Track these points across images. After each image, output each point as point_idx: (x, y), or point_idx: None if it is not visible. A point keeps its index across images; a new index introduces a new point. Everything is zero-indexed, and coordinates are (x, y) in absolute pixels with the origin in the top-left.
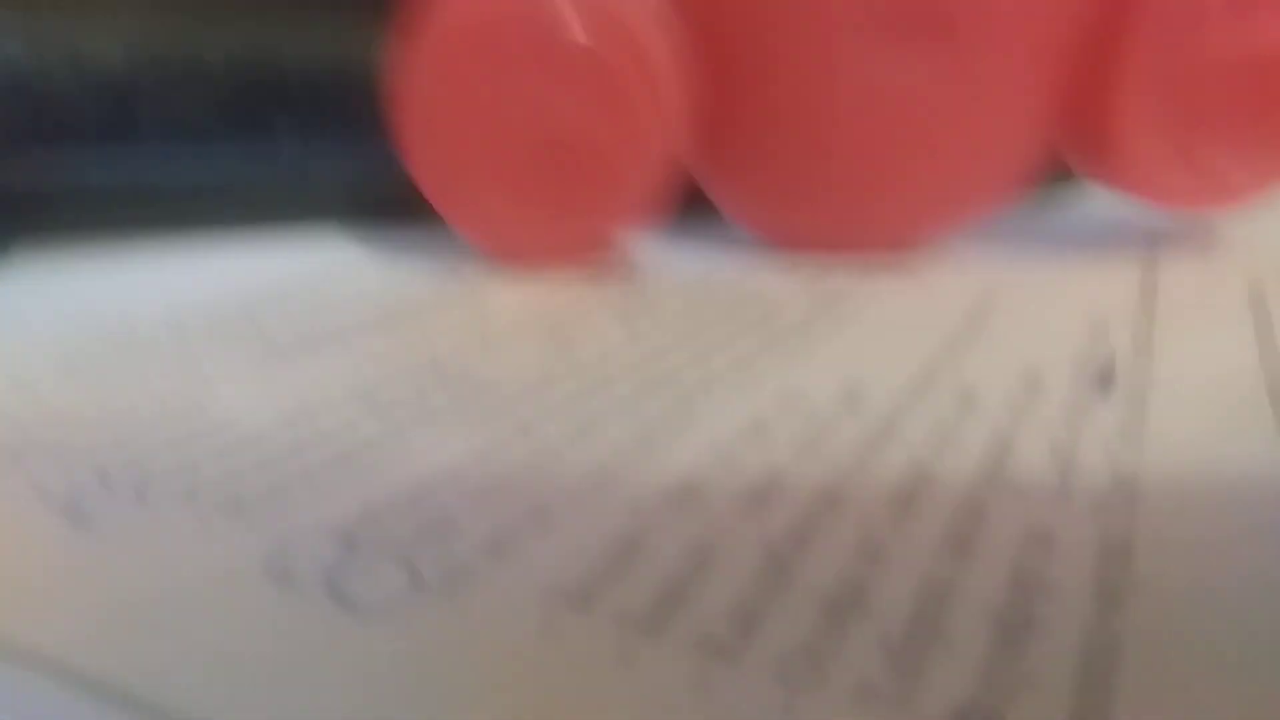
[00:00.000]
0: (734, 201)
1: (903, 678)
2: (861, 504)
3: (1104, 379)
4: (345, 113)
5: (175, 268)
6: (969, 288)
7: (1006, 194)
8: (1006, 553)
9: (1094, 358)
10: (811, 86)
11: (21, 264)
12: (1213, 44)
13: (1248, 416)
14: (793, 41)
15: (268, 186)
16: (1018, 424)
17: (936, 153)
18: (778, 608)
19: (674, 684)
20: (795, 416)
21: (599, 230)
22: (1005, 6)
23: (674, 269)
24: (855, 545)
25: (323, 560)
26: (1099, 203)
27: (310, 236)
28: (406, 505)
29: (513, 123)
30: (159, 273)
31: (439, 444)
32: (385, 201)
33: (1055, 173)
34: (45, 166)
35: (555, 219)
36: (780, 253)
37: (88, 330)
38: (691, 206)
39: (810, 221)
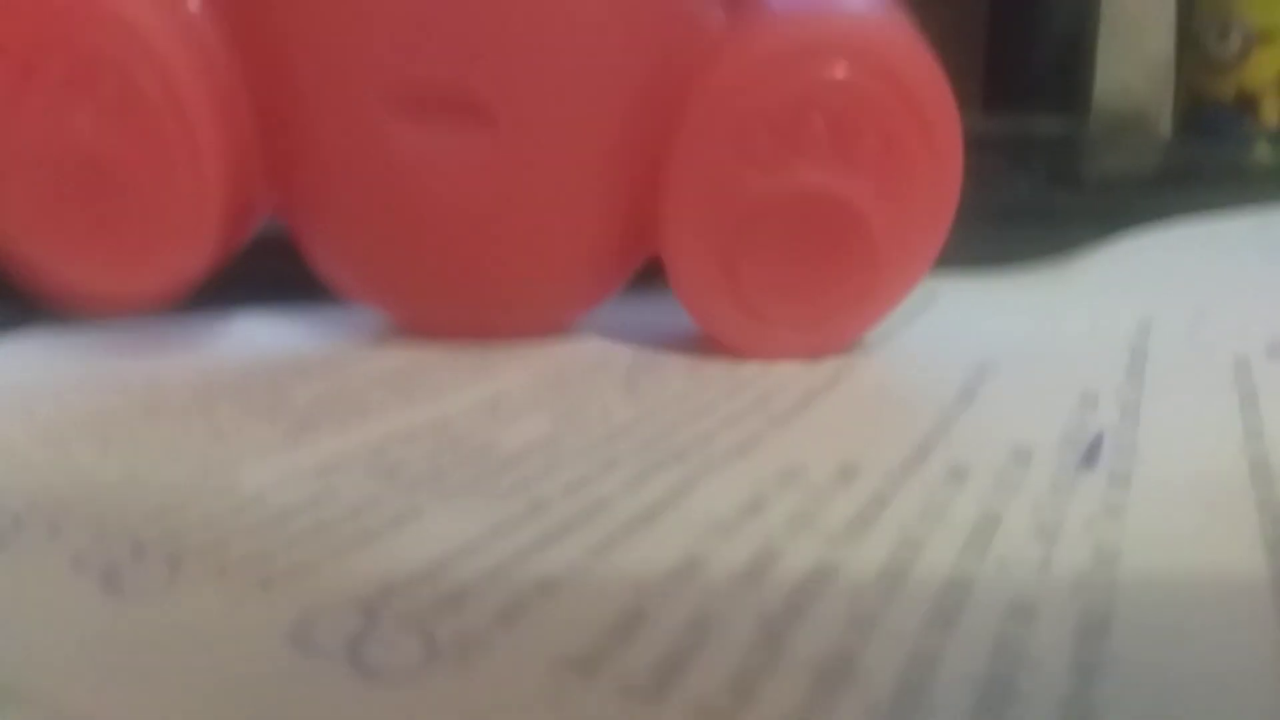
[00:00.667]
0: (320, 261)
1: None
2: (853, 578)
3: (1090, 456)
4: None
5: (201, 336)
6: (962, 364)
7: (599, 289)
8: (990, 625)
9: (1082, 435)
10: (362, 159)
11: (49, 329)
12: (755, 179)
13: (1229, 496)
14: (337, 108)
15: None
16: (1006, 500)
17: (500, 243)
18: (772, 677)
19: None
20: (793, 493)
21: (154, 270)
22: (544, 98)
23: (678, 347)
24: (846, 617)
25: (345, 630)
26: (1092, 275)
27: (331, 310)
28: (424, 578)
29: (32, 137)
30: (185, 342)
31: (456, 521)
32: None
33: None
34: None
35: (91, 254)
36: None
37: (120, 398)
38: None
39: (394, 294)
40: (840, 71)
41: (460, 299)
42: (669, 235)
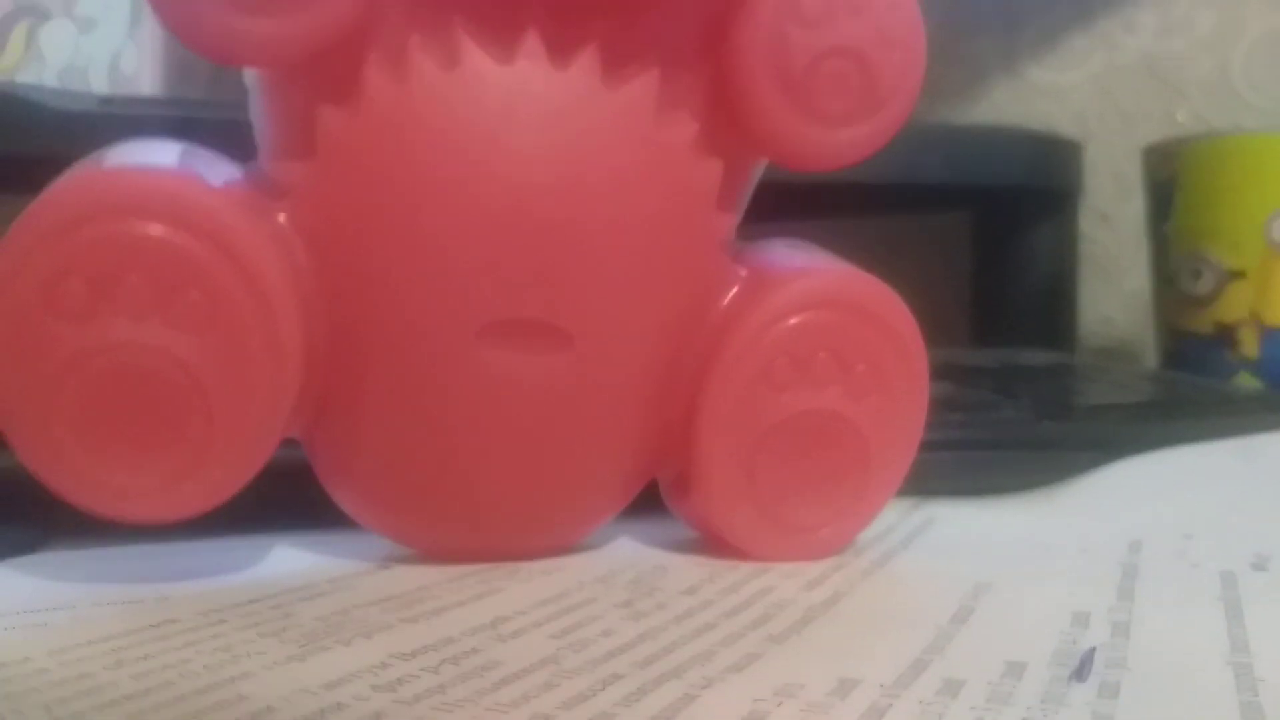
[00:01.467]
0: (342, 487)
1: None
2: None
3: (1082, 670)
4: None
5: (208, 561)
6: (959, 583)
7: (611, 509)
8: None
9: (1074, 651)
10: (428, 382)
11: (64, 550)
12: (775, 400)
13: (1214, 703)
14: (414, 336)
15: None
16: (999, 711)
17: (547, 460)
18: None
19: None
20: (791, 706)
21: (195, 479)
22: (612, 322)
23: (680, 566)
24: None
25: None
26: (1083, 499)
27: (330, 534)
28: None
29: (85, 346)
30: (193, 565)
31: None
32: None
33: None
34: None
35: (138, 464)
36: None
37: (133, 619)
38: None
39: (419, 521)
40: (841, 316)
41: (484, 523)
42: (700, 448)
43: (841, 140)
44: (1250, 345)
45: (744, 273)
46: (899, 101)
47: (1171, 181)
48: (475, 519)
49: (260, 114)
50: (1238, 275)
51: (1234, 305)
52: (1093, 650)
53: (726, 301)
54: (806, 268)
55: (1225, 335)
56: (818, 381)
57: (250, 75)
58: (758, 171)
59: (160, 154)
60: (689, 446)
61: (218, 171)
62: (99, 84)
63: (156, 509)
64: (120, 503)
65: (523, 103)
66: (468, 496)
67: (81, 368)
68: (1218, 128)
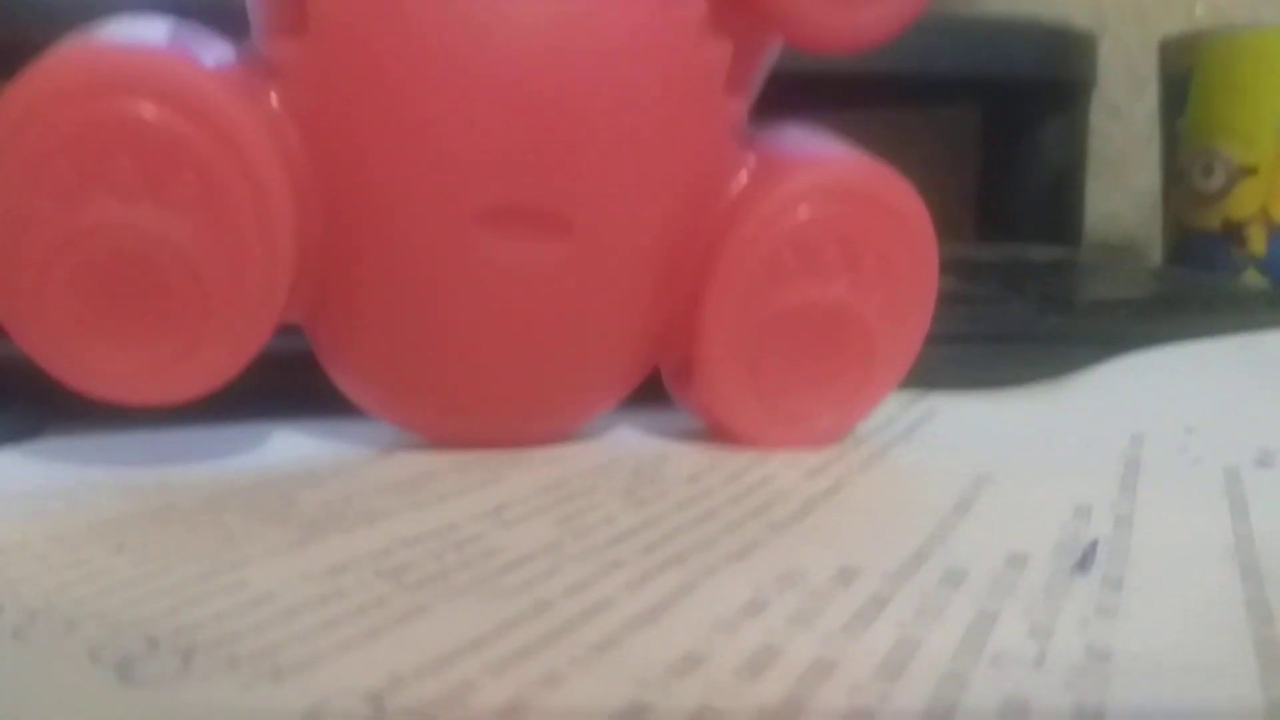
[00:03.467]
0: (344, 373)
1: None
2: (852, 673)
3: (1085, 562)
4: None
5: (210, 446)
6: (960, 474)
7: (613, 397)
8: (986, 718)
9: (1077, 543)
10: (424, 269)
11: (63, 436)
12: (780, 292)
13: (1220, 597)
14: (412, 217)
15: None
16: (1001, 601)
17: (548, 348)
18: None
19: None
20: (793, 594)
21: (192, 361)
22: (613, 209)
23: (681, 454)
24: (845, 711)
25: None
26: (1086, 393)
27: (338, 421)
28: (432, 673)
29: (75, 228)
30: (195, 451)
31: (463, 619)
32: None
33: None
34: None
35: (133, 346)
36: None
37: (132, 503)
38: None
39: (420, 406)
40: (852, 207)
41: (483, 410)
42: (704, 338)
43: (860, 20)
44: (1258, 242)
45: (753, 159)
46: None
47: (1186, 76)
48: (474, 406)
49: None
50: (1249, 172)
51: (1244, 202)
52: (1095, 542)
53: (734, 188)
54: (818, 156)
55: (1233, 232)
56: (825, 273)
57: None
58: (771, 54)
59: (150, 31)
60: (692, 336)
61: (209, 50)
62: None
63: (152, 392)
64: (116, 385)
65: None
66: (466, 384)
67: (73, 250)
68: (1236, 22)
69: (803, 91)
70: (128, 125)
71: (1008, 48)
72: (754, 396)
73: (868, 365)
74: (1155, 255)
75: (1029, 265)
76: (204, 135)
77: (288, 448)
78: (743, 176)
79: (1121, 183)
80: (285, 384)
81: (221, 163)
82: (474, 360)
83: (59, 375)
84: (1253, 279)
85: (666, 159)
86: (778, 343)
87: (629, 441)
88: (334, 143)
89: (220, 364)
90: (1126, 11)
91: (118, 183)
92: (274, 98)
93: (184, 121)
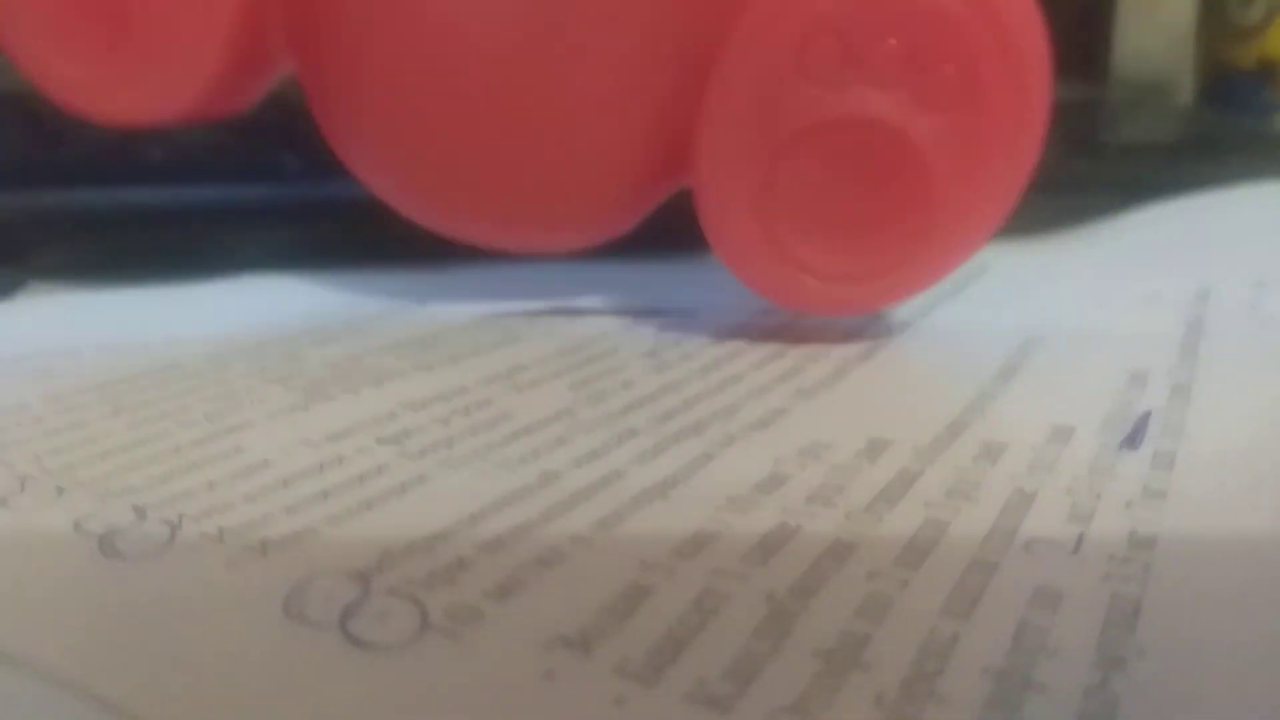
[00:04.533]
0: (337, 136)
1: None
2: (870, 559)
3: (1135, 436)
4: None
5: (221, 300)
6: (1007, 336)
7: (624, 208)
8: (1013, 611)
9: (1128, 414)
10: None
11: (58, 294)
12: (810, 94)
13: (1275, 481)
14: None
15: (279, 227)
16: (1040, 480)
17: (537, 119)
18: (775, 661)
19: None
20: (815, 468)
21: (161, 79)
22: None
23: (711, 315)
24: (860, 600)
25: (338, 601)
26: (1147, 241)
27: (352, 276)
28: (423, 550)
29: None
30: (198, 308)
31: (464, 490)
32: (400, 241)
33: None
34: (54, 201)
35: (102, 62)
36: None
37: (136, 361)
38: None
39: (409, 181)
40: None
41: (482, 192)
42: (703, 152)
43: None
44: None
45: None
46: None
47: None
48: (467, 185)
49: None
50: None
51: None
52: (1147, 415)
53: None
54: None
55: (1269, 70)
56: (876, 77)
57: None
58: None
59: None
60: (696, 149)
61: None
62: None
63: (103, 104)
64: (69, 93)
65: None
66: (452, 152)
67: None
68: None
69: None
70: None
71: None
72: (760, 236)
73: (924, 215)
74: (1186, 95)
75: (1053, 105)
76: None
77: (298, 302)
78: None
79: (1151, 18)
80: (301, 234)
81: None
82: (457, 123)
83: (21, 65)
84: None
85: None
86: (798, 169)
87: (656, 296)
88: None
89: (171, 85)
90: None
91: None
92: None
93: None
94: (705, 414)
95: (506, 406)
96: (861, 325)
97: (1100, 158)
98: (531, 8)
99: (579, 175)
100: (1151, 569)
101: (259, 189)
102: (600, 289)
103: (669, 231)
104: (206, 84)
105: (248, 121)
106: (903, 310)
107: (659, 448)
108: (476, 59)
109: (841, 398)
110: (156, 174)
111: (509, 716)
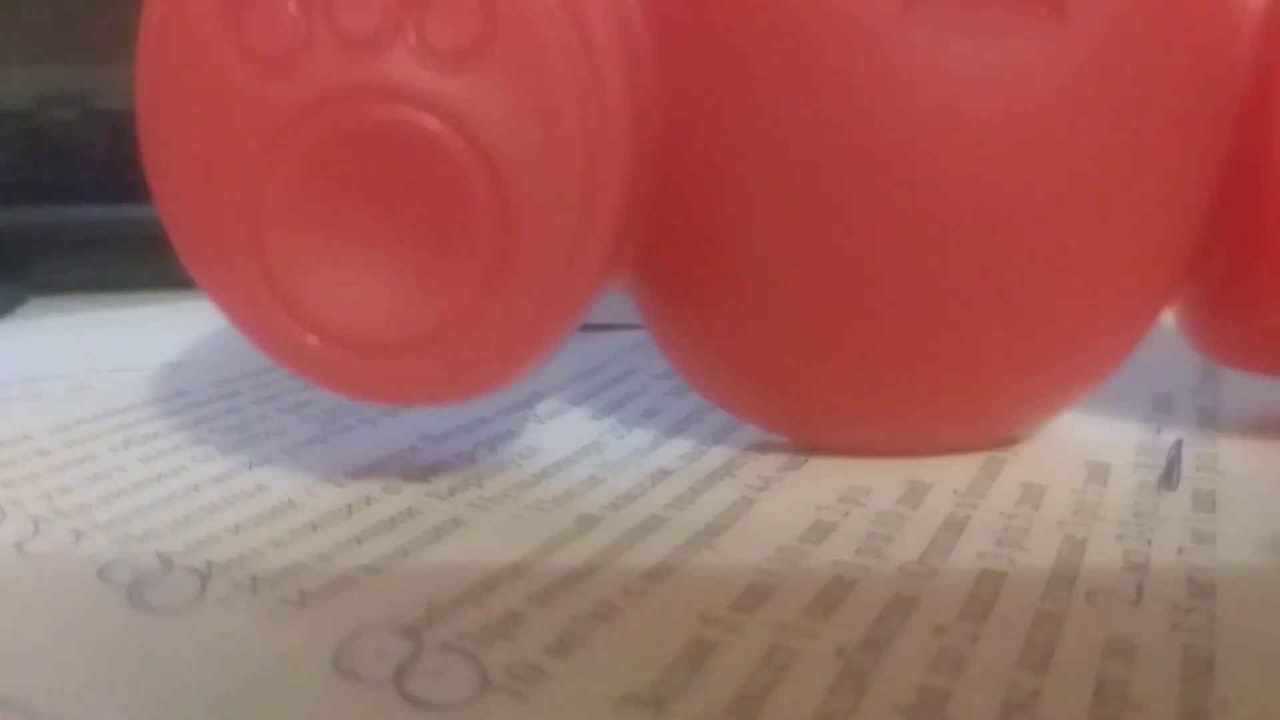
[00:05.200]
0: (685, 355)
1: None
2: (935, 610)
3: (1169, 474)
4: None
5: (216, 321)
6: None
7: (1100, 369)
8: (1088, 664)
9: (1159, 446)
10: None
11: (49, 312)
12: None
13: None
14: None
15: None
16: (1088, 526)
17: (1025, 262)
18: (857, 718)
19: None
20: (859, 515)
21: (478, 313)
22: None
23: None
24: (932, 654)
25: (391, 657)
26: None
27: None
28: (472, 602)
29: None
30: (199, 326)
31: (500, 534)
32: None
33: None
34: (57, 217)
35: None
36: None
37: (141, 390)
38: None
39: (802, 399)
40: None
41: (906, 398)
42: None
43: None
44: None
45: None
46: None
47: None
48: (890, 394)
49: None
50: None
51: None
52: (1179, 444)
53: None
54: None
55: None
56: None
57: None
58: None
59: None
60: (1251, 212)
61: None
62: None
63: (415, 375)
64: (356, 366)
65: None
66: (878, 357)
67: (292, 137)
68: None
69: None
70: None
71: None
72: None
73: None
74: None
75: None
76: None
77: None
78: None
79: None
80: None
81: (544, 13)
82: (897, 309)
83: (279, 357)
84: None
85: None
86: None
87: None
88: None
89: (516, 330)
90: None
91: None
92: None
93: None
94: (732, 453)
95: (531, 440)
96: None
97: None
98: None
99: (1092, 330)
100: (1217, 617)
101: None
102: (611, 302)
103: None
104: (570, 323)
105: None
106: None
107: (694, 491)
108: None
109: None
110: None
111: None
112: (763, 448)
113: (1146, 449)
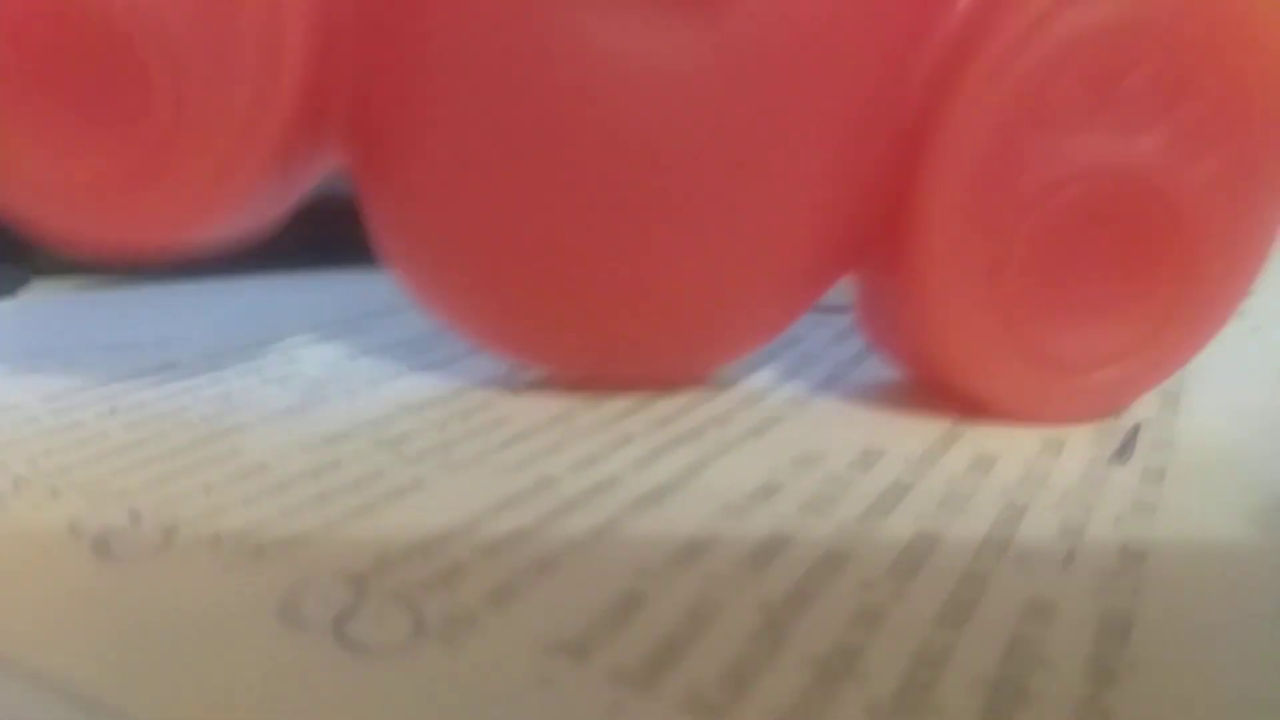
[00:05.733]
0: (401, 254)
1: None
2: (865, 568)
3: (1125, 449)
4: None
5: (214, 299)
6: None
7: (777, 317)
8: (1005, 623)
9: (1119, 425)
10: (504, 66)
11: (48, 296)
12: (1057, 153)
13: (1265, 492)
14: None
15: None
16: (1032, 493)
17: (688, 214)
18: (770, 669)
19: None
20: (810, 477)
21: (156, 187)
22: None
23: None
24: (853, 609)
25: (333, 604)
26: None
27: (350, 276)
28: (420, 554)
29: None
30: (195, 307)
31: (461, 495)
32: None
33: None
34: None
35: (80, 153)
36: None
37: (130, 361)
38: None
39: (502, 311)
40: (1171, 14)
41: (611, 318)
42: (921, 226)
43: None
44: None
45: None
46: None
47: None
48: (589, 308)
49: None
50: None
51: None
52: (1137, 428)
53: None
54: None
55: None
56: (1125, 121)
57: None
58: None
59: None
60: (902, 222)
61: None
62: None
63: (116, 221)
64: (66, 210)
65: None
66: (572, 262)
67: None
68: None
69: None
70: None
71: None
72: (996, 322)
73: (1180, 286)
74: None
75: None
76: None
77: (294, 303)
78: None
79: None
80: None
81: None
82: (582, 224)
83: None
84: None
85: None
86: (1039, 237)
87: None
88: None
89: (198, 181)
90: None
91: None
92: None
93: None
94: (702, 420)
95: (504, 411)
96: (852, 329)
97: None
98: (701, 77)
99: (739, 284)
100: (1143, 583)
101: None
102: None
103: None
104: (250, 185)
105: None
106: None
107: (655, 454)
108: (611, 142)
109: (835, 406)
110: None
111: None
112: (724, 419)
113: (1105, 428)
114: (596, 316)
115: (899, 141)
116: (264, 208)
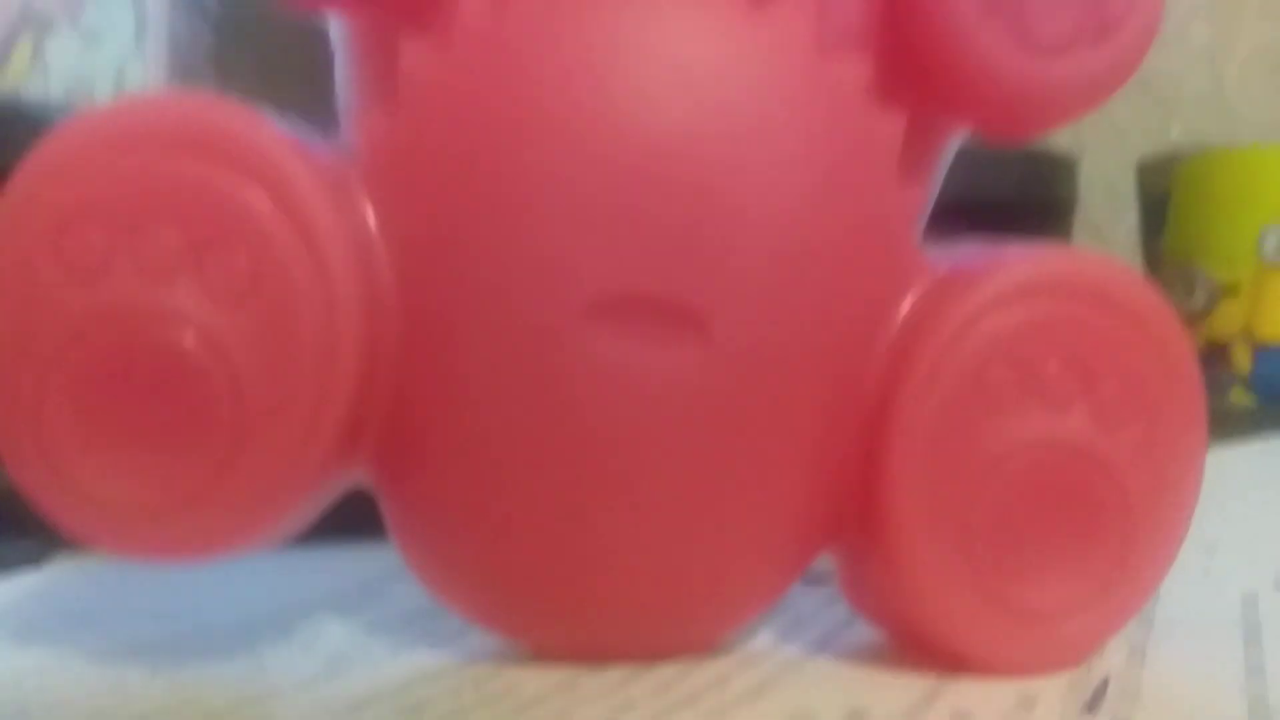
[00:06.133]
0: (422, 554)
1: None
2: None
3: (1094, 702)
4: None
5: (240, 570)
6: None
7: (767, 591)
8: None
9: (1088, 680)
10: (522, 385)
11: (75, 567)
12: (999, 432)
13: None
14: (510, 316)
15: None
16: None
17: (682, 504)
18: None
19: None
20: None
21: (220, 500)
22: (767, 306)
23: None
24: None
25: None
26: None
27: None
28: None
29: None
30: (225, 575)
31: None
32: None
33: None
34: None
35: (145, 472)
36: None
37: (167, 629)
38: None
39: (514, 599)
40: (1080, 308)
41: (600, 608)
42: (890, 502)
43: (1057, 76)
44: (1242, 361)
45: (937, 267)
46: (1135, 24)
47: (1165, 196)
48: (590, 597)
49: (341, 76)
50: (1230, 290)
51: (1226, 321)
52: (1106, 681)
53: (916, 295)
54: (1021, 254)
55: (1217, 352)
56: (1054, 399)
57: (334, 30)
58: (949, 144)
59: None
60: (872, 501)
61: (279, 126)
62: (104, 96)
63: (159, 537)
64: (117, 524)
65: (647, 27)
66: (588, 555)
67: (85, 339)
68: (1211, 142)
69: None
70: (168, 184)
71: (990, 171)
72: (968, 583)
73: (1124, 536)
74: None
75: None
76: (262, 202)
77: (316, 572)
78: (927, 281)
79: None
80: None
81: (280, 239)
82: (587, 523)
83: (49, 505)
84: (1238, 398)
85: (828, 250)
86: (995, 503)
87: None
88: (418, 226)
89: (249, 507)
90: (1104, 133)
91: (151, 257)
92: (352, 175)
93: (239, 184)
94: (699, 685)
95: (513, 678)
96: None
97: None
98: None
99: (730, 562)
100: None
101: None
102: None
103: None
104: (293, 508)
105: None
106: None
107: (656, 717)
108: (618, 443)
109: (825, 667)
110: None
111: None
112: (721, 682)
113: (1076, 684)
114: (609, 595)
115: (862, 430)
116: (294, 524)
